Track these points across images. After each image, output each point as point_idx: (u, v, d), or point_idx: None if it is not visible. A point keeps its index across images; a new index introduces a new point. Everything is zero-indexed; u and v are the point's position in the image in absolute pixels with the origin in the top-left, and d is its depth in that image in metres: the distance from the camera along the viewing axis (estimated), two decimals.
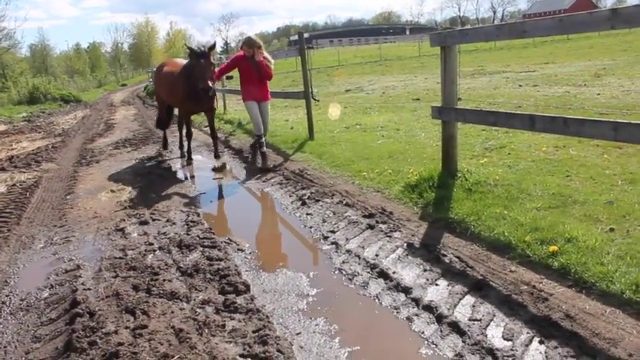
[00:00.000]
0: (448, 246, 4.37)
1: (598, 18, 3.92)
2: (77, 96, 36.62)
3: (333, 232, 5.14)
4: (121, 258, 4.86)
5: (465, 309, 3.49)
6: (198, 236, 5.27)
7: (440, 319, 3.38)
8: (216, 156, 9.00)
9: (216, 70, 8.47)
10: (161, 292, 4.03)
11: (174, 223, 5.84)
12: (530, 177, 5.58)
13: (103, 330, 3.44)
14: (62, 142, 13.99)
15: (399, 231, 4.85)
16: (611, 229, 4.10)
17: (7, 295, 4.32)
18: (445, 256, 4.20)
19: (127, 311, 3.74)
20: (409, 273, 4.08)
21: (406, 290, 3.79)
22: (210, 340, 3.31)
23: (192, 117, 10.48)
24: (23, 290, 4.40)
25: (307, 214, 5.80)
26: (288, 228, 5.65)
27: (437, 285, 3.85)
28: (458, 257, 4.14)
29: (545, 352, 2.94)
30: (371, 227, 5.04)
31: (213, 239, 5.17)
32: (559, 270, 3.68)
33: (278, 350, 3.14)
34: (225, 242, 5.12)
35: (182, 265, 4.56)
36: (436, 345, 3.15)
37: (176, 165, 9.47)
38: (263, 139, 8.38)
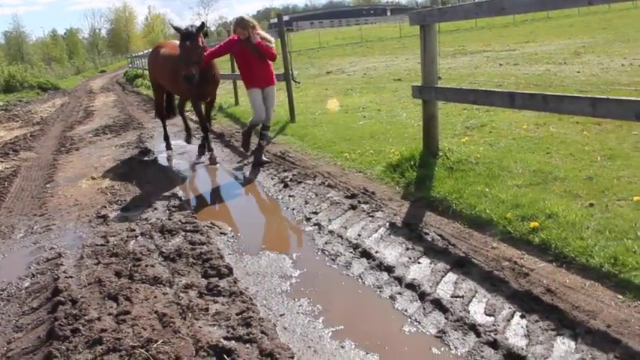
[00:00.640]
0: (430, 224, 4.39)
1: None
2: (55, 83, 36.08)
3: (315, 213, 5.14)
4: (102, 245, 4.82)
5: (447, 286, 3.51)
6: (180, 221, 5.25)
7: (423, 296, 3.40)
8: (210, 149, 8.15)
9: (208, 51, 7.35)
10: (144, 277, 4.00)
11: (156, 209, 5.80)
12: (511, 154, 5.61)
13: (86, 317, 3.42)
14: (41, 131, 13.81)
15: (381, 211, 4.85)
16: (591, 205, 4.14)
17: None
18: (427, 234, 4.22)
19: (109, 298, 3.72)
20: (392, 252, 4.09)
21: (389, 269, 3.80)
22: (194, 324, 3.30)
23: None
24: (4, 280, 4.35)
25: (289, 196, 5.79)
26: (271, 210, 5.64)
27: (419, 263, 3.86)
28: (440, 235, 4.16)
29: (527, 326, 2.97)
30: (353, 208, 5.05)
31: (196, 223, 5.15)
32: (540, 245, 3.71)
33: (262, 332, 3.14)
34: (207, 226, 5.11)
35: (164, 250, 4.54)
36: (419, 322, 3.17)
37: (157, 150, 9.38)
38: (267, 132, 7.44)
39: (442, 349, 2.91)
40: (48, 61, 66.63)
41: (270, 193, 6.09)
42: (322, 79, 16.83)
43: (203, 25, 7.22)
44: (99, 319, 3.39)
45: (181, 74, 6.91)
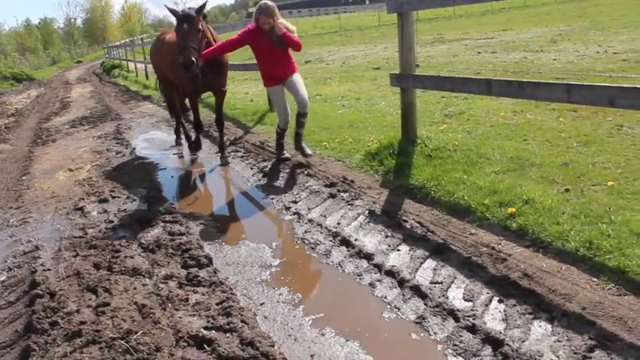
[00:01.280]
0: (409, 212, 4.42)
1: None
2: (30, 74, 35.53)
3: (295, 202, 5.14)
4: (80, 237, 4.78)
5: (426, 272, 3.54)
6: (159, 212, 5.22)
7: (402, 283, 3.43)
8: (222, 151, 7.19)
9: (221, 42, 6.32)
10: (123, 269, 3.98)
11: (134, 200, 5.76)
12: (489, 142, 5.65)
13: (65, 310, 3.39)
14: (16, 122, 13.61)
15: (361, 199, 4.87)
16: (567, 190, 4.19)
17: None
18: (406, 221, 4.25)
19: (88, 290, 3.69)
20: (371, 240, 4.11)
21: (368, 257, 3.82)
22: (174, 314, 3.29)
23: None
24: None
25: (269, 185, 5.78)
26: (250, 200, 5.62)
27: (398, 250, 3.89)
28: (419, 222, 4.18)
29: (505, 311, 3.01)
30: (332, 196, 5.06)
31: (175, 214, 5.13)
32: (517, 231, 3.76)
33: (242, 321, 3.14)
34: (186, 216, 5.09)
35: (144, 242, 4.52)
36: (399, 309, 3.20)
37: (135, 141, 9.29)
38: (304, 119, 6.26)
39: (421, 334, 2.94)
40: (22, 52, 65.39)
41: (249, 182, 6.07)
42: (301, 69, 16.61)
43: (204, 6, 6.20)
44: (78, 311, 3.36)
45: (178, 61, 5.93)
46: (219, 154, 7.18)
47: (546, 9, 33.59)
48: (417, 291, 3.31)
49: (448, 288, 3.33)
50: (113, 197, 5.92)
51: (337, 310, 3.29)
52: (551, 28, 19.16)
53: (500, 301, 3.11)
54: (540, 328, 2.83)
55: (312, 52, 22.78)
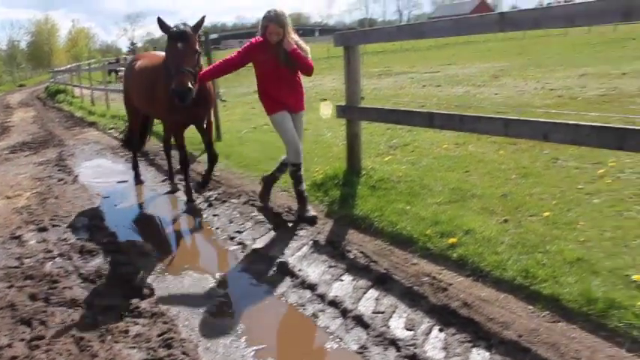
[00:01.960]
0: (353, 242, 4.46)
1: (488, 20, 4.18)
2: None
3: (239, 232, 5.12)
4: (16, 267, 4.63)
5: (368, 302, 3.58)
6: (101, 241, 5.11)
7: (345, 313, 3.45)
8: (205, 182, 6.39)
9: (218, 62, 5.23)
10: (61, 300, 3.88)
11: (76, 229, 5.62)
12: (432, 173, 5.78)
13: None
14: None
15: (305, 229, 4.89)
16: (505, 220, 4.32)
17: None
18: (350, 252, 4.29)
19: (22, 322, 3.58)
20: (315, 270, 4.13)
21: (312, 287, 3.84)
22: (113, 347, 3.22)
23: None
24: None
25: (214, 215, 5.74)
26: (195, 230, 5.57)
27: (342, 280, 3.92)
28: (362, 252, 4.23)
29: (445, 339, 3.07)
30: (277, 226, 5.06)
31: (117, 244, 5.03)
32: (457, 261, 3.84)
33: (183, 353, 3.10)
34: (129, 246, 4.99)
35: (84, 272, 4.41)
36: (341, 339, 3.22)
37: (79, 168, 9.08)
38: (300, 172, 5.22)
39: None
40: None
41: (194, 212, 6.01)
42: (249, 98, 16.78)
43: (202, 21, 5.27)
44: (9, 345, 3.26)
45: (170, 89, 4.91)
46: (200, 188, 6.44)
47: (488, 46, 34.84)
48: (360, 321, 3.34)
49: (390, 317, 3.37)
50: (53, 226, 5.75)
51: (280, 341, 3.28)
52: (493, 64, 19.88)
53: (440, 330, 3.17)
54: (479, 356, 2.89)
55: None
